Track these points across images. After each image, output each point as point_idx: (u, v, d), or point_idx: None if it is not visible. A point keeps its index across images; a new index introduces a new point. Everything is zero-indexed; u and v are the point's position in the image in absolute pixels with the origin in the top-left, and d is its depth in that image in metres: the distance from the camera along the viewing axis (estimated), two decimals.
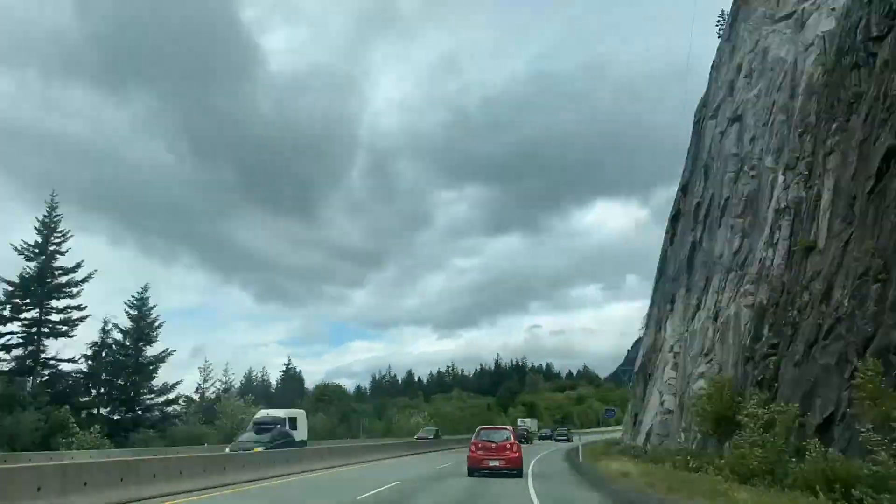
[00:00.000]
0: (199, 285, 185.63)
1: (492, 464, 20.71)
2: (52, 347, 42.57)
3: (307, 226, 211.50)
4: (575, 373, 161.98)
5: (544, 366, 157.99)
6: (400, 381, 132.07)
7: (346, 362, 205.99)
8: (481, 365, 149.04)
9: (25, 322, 41.53)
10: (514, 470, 20.84)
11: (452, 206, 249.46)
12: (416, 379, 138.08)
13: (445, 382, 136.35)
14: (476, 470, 20.76)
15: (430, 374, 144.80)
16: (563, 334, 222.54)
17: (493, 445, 21.33)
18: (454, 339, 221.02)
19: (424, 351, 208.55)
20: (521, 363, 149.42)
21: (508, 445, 21.30)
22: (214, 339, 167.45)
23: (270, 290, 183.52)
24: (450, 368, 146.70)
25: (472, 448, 21.43)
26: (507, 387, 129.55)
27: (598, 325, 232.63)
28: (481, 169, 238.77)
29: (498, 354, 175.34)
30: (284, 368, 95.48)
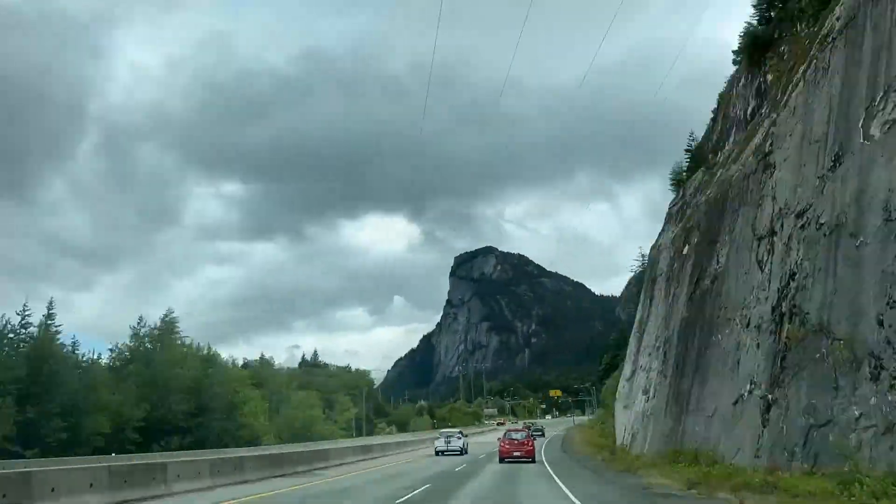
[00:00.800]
0: None
1: (515, 454, 30.63)
2: None
3: (18, 209, 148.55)
4: None
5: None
6: None
7: None
8: None
9: None
10: (530, 458, 30.73)
11: (207, 204, 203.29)
12: None
13: None
14: (505, 458, 30.55)
15: None
16: (324, 356, 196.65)
17: (516, 442, 31.55)
18: None
19: None
20: None
21: (526, 442, 31.89)
22: None
23: None
24: None
25: (502, 444, 31.66)
26: None
27: (363, 348, 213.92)
28: (241, 164, 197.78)
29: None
30: None
